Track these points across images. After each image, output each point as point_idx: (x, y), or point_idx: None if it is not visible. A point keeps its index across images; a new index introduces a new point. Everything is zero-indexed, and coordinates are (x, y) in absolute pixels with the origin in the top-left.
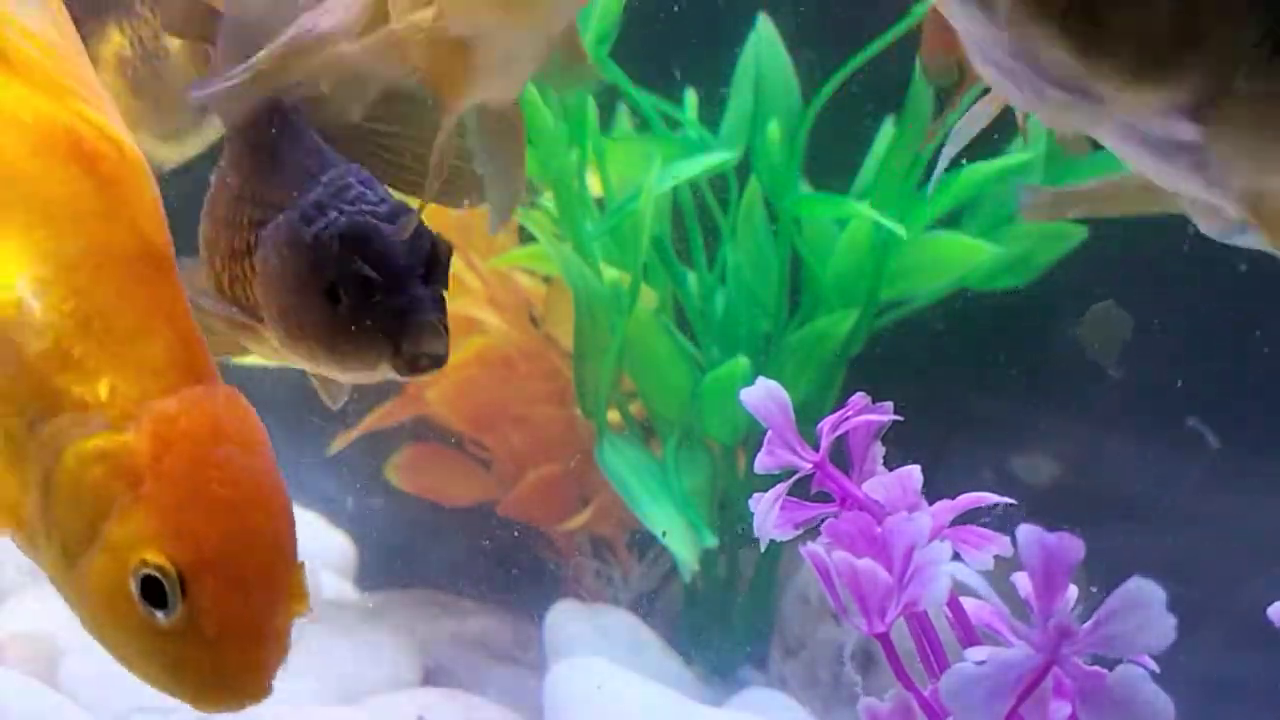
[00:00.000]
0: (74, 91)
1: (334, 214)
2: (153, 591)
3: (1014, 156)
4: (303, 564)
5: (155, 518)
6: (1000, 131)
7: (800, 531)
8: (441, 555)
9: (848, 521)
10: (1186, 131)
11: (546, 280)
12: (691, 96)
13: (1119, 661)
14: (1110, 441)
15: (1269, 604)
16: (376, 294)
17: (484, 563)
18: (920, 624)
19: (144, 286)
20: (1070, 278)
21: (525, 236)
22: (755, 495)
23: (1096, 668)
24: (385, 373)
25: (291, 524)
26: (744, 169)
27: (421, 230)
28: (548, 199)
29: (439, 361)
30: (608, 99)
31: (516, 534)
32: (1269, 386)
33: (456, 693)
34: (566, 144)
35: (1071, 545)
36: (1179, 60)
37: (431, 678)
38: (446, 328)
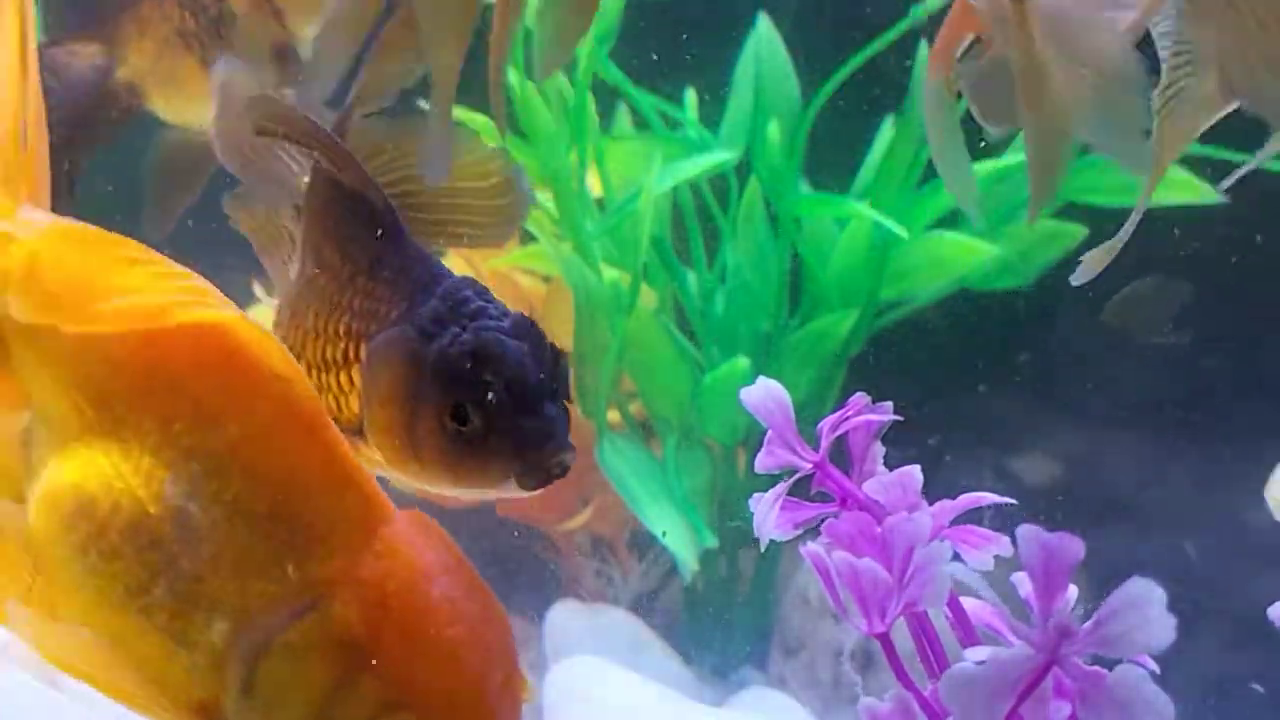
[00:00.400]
0: (171, 279)
1: (457, 330)
2: None
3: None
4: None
5: (394, 684)
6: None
7: (800, 531)
8: None
9: (848, 521)
10: None
11: (546, 280)
12: (691, 96)
13: (1120, 662)
14: (1110, 441)
15: (1269, 604)
16: (508, 416)
17: (484, 563)
18: (920, 624)
19: (300, 448)
20: (1070, 278)
21: (525, 236)
22: (755, 495)
23: (1097, 668)
24: (505, 491)
25: (508, 625)
26: (744, 169)
27: (544, 342)
28: (547, 199)
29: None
30: (608, 99)
31: (516, 534)
32: (1269, 386)
33: None
34: (566, 144)
35: (1071, 545)
36: None
37: None
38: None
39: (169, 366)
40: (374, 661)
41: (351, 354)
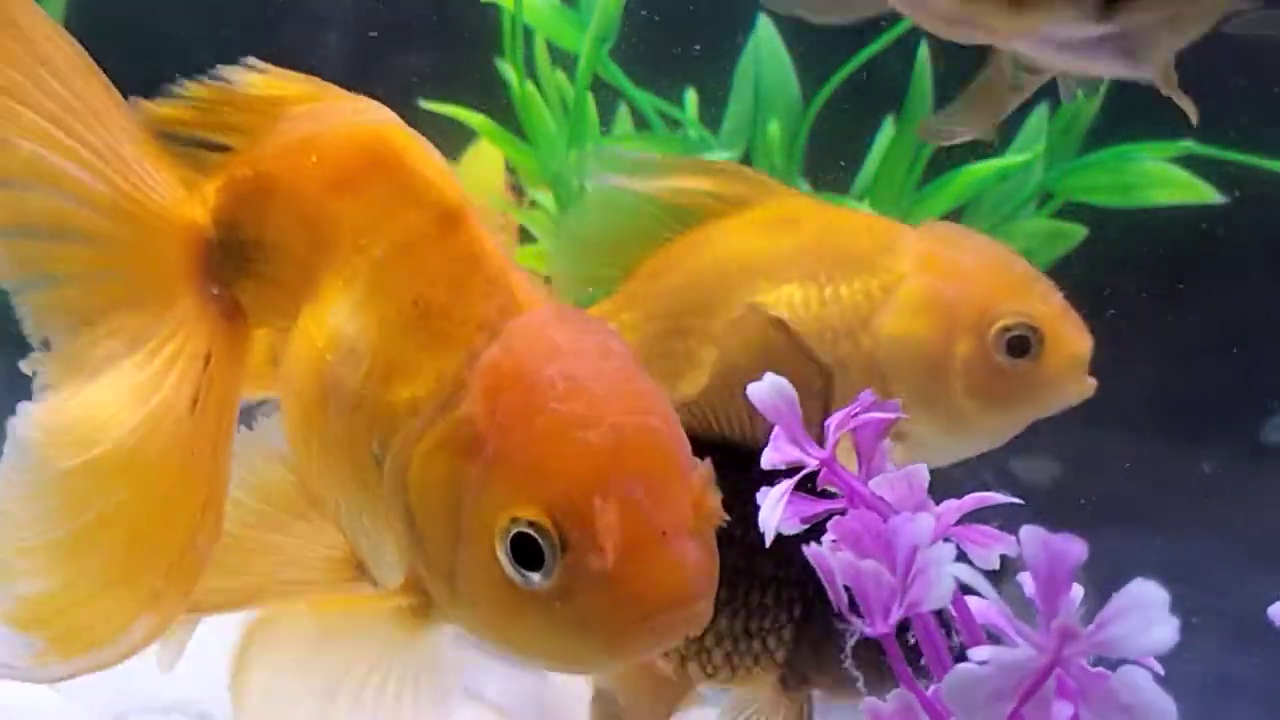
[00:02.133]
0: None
1: None
2: (527, 553)
3: (1014, 157)
4: (698, 463)
5: (507, 473)
6: (1000, 131)
7: (806, 527)
8: None
9: (854, 519)
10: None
11: (547, 280)
12: (691, 96)
13: (1122, 662)
14: (1110, 441)
15: (1269, 604)
16: None
17: None
18: (924, 624)
19: (446, 256)
20: (1070, 277)
21: (525, 236)
22: (761, 490)
23: (1100, 669)
24: None
25: (669, 419)
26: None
27: None
28: (547, 199)
29: None
30: (608, 99)
31: None
32: (1270, 387)
33: (456, 693)
34: (566, 144)
35: (1074, 547)
36: None
37: None
38: None
39: (333, 187)
40: (491, 454)
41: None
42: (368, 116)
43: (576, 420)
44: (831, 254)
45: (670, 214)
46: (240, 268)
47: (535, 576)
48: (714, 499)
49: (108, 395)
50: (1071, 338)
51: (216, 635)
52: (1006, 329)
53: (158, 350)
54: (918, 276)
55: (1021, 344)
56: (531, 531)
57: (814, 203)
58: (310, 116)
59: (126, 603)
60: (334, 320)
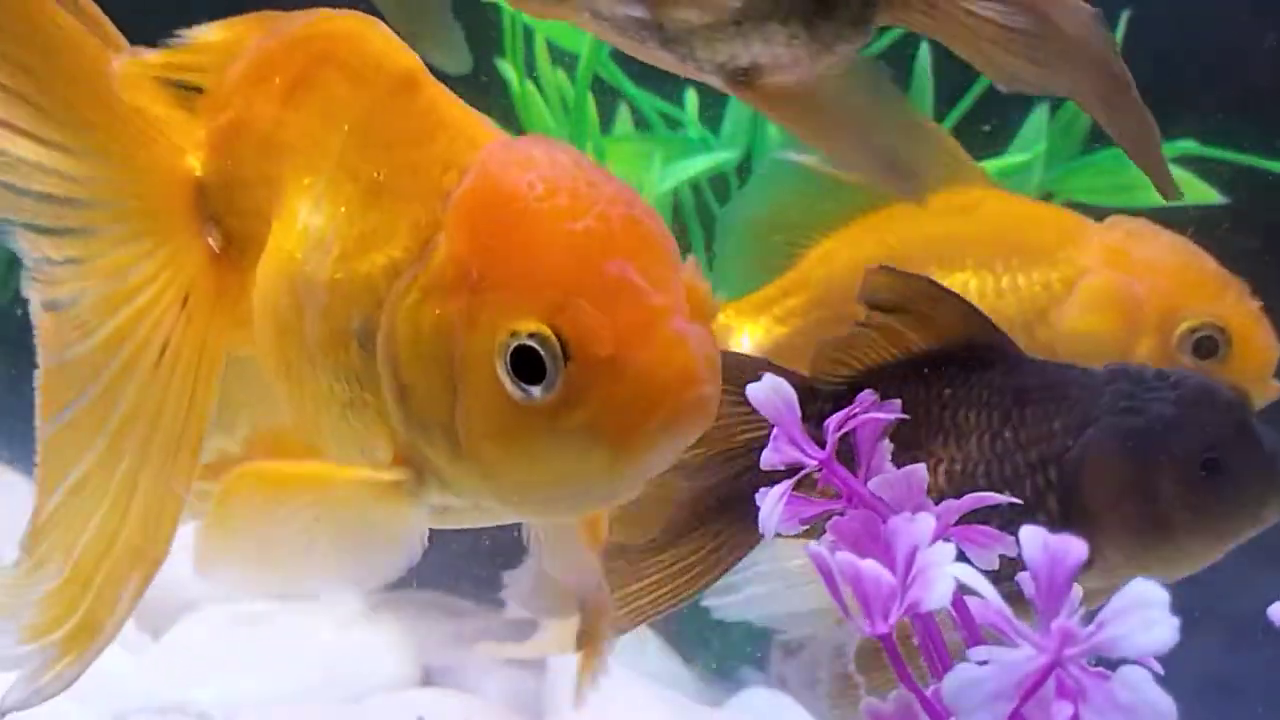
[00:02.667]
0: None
1: (1156, 399)
2: (529, 370)
3: (1014, 157)
4: (689, 262)
5: (497, 289)
6: (1000, 131)
7: (804, 528)
8: (441, 555)
9: (853, 520)
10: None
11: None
12: (691, 96)
13: (1122, 663)
14: None
15: (1269, 604)
16: (1250, 451)
17: (484, 563)
18: (924, 624)
19: (404, 118)
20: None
21: None
22: (760, 491)
23: (1100, 669)
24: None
25: (654, 214)
26: (745, 169)
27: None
28: None
29: None
30: (608, 99)
31: (516, 534)
32: None
33: (456, 693)
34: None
35: (1075, 547)
36: None
37: (431, 678)
38: None
39: (293, 87)
40: (479, 280)
41: (1043, 481)
42: (313, 18)
43: (561, 214)
44: (1010, 244)
45: (849, 195)
46: (228, 208)
47: (537, 390)
48: (706, 288)
49: (90, 342)
50: (1262, 342)
51: (217, 637)
52: (1193, 329)
53: (134, 293)
54: (1102, 271)
55: (1208, 345)
56: (532, 343)
57: (995, 191)
58: (263, 38)
59: (117, 568)
60: (301, 220)
